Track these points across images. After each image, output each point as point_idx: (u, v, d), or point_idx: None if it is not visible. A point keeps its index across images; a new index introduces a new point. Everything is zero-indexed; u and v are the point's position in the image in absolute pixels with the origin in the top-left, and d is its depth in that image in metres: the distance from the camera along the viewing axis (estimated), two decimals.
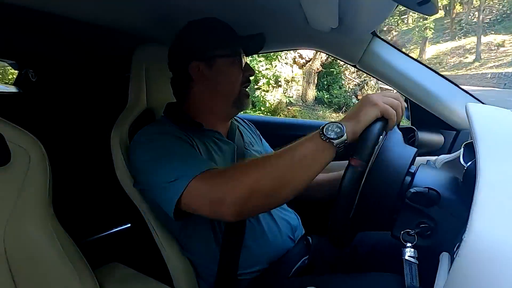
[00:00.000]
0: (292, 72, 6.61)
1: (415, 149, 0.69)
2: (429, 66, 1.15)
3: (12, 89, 1.72)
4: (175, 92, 0.93)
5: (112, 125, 0.93)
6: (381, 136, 0.66)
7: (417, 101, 1.13)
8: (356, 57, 1.13)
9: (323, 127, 0.62)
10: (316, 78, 7.03)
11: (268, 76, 6.35)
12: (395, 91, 1.15)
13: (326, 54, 1.20)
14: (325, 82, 7.33)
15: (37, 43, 1.31)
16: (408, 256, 0.57)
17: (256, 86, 6.46)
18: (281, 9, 1.02)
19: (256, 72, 6.31)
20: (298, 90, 7.04)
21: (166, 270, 0.89)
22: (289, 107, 6.73)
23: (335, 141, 0.60)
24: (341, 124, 0.61)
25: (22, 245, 0.67)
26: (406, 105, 0.79)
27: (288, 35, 1.18)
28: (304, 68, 6.82)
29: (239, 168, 0.65)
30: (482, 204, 0.43)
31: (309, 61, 6.70)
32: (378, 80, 1.17)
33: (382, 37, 1.14)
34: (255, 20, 1.10)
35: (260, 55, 6.11)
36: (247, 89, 0.91)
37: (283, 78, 6.47)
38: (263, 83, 6.42)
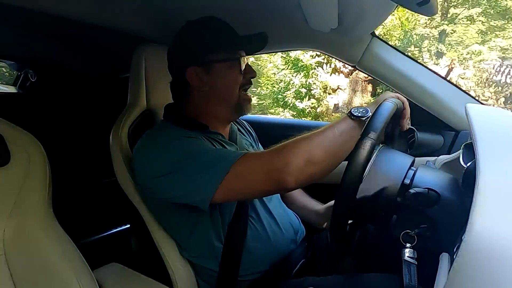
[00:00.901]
0: (336, 80, 6.72)
1: (413, 158, 0.70)
2: (428, 67, 1.15)
3: (12, 89, 1.72)
4: (175, 96, 0.91)
5: (111, 126, 0.93)
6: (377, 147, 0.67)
7: (417, 101, 1.13)
8: (356, 57, 1.13)
9: (350, 110, 0.73)
10: (371, 86, 7.07)
11: (297, 84, 6.52)
12: (394, 91, 1.15)
13: (326, 54, 1.20)
14: (380, 92, 7.27)
15: (37, 43, 1.31)
16: (407, 256, 0.57)
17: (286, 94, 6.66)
18: (280, 9, 1.02)
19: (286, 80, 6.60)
20: (344, 98, 7.15)
21: (165, 271, 0.88)
22: (333, 113, 6.89)
23: (363, 118, 0.71)
24: (364, 108, 0.73)
25: (22, 245, 0.67)
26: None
27: (287, 36, 1.18)
28: (350, 76, 6.91)
29: (291, 142, 0.70)
30: (482, 204, 0.43)
31: (355, 70, 6.79)
32: (378, 80, 1.17)
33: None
34: (255, 20, 1.10)
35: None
36: (247, 93, 0.89)
37: (329, 87, 6.70)
38: (293, 91, 6.62)
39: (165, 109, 0.90)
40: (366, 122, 0.65)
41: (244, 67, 0.86)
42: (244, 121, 1.10)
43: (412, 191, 0.60)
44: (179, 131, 0.81)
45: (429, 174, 0.66)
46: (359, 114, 0.71)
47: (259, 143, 1.11)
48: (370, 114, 0.69)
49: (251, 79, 0.89)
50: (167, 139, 0.77)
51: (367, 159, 0.59)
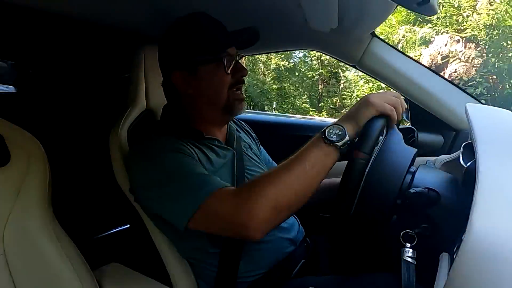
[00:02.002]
0: None
1: (415, 150, 0.69)
2: (428, 66, 1.15)
3: (12, 89, 1.72)
4: (167, 100, 0.90)
5: (111, 125, 0.93)
6: (381, 136, 0.66)
7: (417, 101, 1.13)
8: (356, 57, 1.13)
9: (324, 130, 0.63)
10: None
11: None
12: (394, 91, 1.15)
13: (326, 54, 1.20)
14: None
15: (36, 43, 1.31)
16: (407, 256, 0.57)
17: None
18: (280, 9, 1.02)
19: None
20: None
21: (165, 271, 0.88)
22: None
23: (339, 143, 0.62)
24: (342, 126, 0.62)
25: (22, 245, 0.67)
26: (406, 105, 0.80)
27: (287, 36, 1.18)
28: None
29: (257, 187, 0.63)
30: (482, 204, 0.43)
31: None
32: (378, 80, 1.18)
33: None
34: (255, 20, 1.09)
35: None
36: (239, 92, 0.85)
37: None
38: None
39: (163, 111, 0.89)
40: (355, 141, 0.63)
41: (233, 65, 0.82)
42: (243, 122, 1.09)
43: (412, 190, 0.60)
44: (170, 140, 0.77)
45: (429, 174, 0.66)
46: (336, 139, 0.62)
47: (260, 144, 1.10)
48: (348, 138, 0.62)
49: (242, 78, 0.84)
50: (155, 152, 0.75)
51: (359, 179, 0.60)
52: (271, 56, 9.30)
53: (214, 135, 0.87)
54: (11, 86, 1.75)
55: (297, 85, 9.12)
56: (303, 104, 8.68)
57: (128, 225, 1.59)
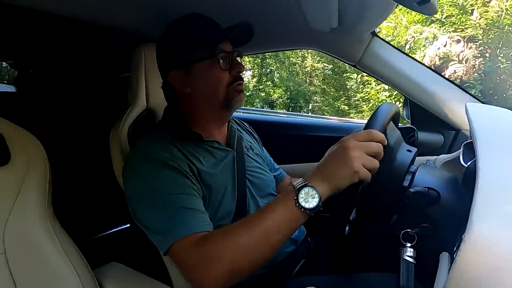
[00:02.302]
0: None
1: (415, 149, 0.69)
2: (428, 66, 1.15)
3: (12, 88, 1.72)
4: (167, 100, 0.90)
5: (111, 125, 0.93)
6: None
7: (417, 100, 1.13)
8: (356, 57, 1.13)
9: (297, 190, 0.58)
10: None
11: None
12: (394, 92, 1.15)
13: (326, 54, 1.20)
14: None
15: (36, 43, 1.31)
16: (406, 255, 0.57)
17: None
18: (280, 8, 1.02)
19: None
20: None
21: (165, 270, 0.88)
22: None
23: (309, 211, 0.58)
24: (316, 191, 0.57)
25: (22, 244, 0.67)
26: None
27: (287, 35, 1.18)
28: None
29: (215, 247, 0.61)
30: (482, 203, 0.43)
31: None
32: (378, 80, 1.18)
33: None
34: (255, 20, 1.09)
35: None
36: (238, 86, 0.82)
37: None
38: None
39: (163, 112, 0.89)
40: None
41: (228, 62, 0.81)
42: (245, 123, 1.09)
43: (412, 190, 0.60)
44: (166, 151, 0.75)
45: (429, 174, 0.66)
46: (308, 206, 0.57)
47: (262, 145, 1.10)
48: (320, 203, 0.57)
49: (239, 74, 0.83)
50: (145, 166, 0.74)
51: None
52: (307, 57, 9.25)
53: (214, 137, 0.86)
54: (12, 86, 1.75)
55: (337, 88, 9.11)
56: (342, 106, 8.70)
57: (128, 225, 1.60)
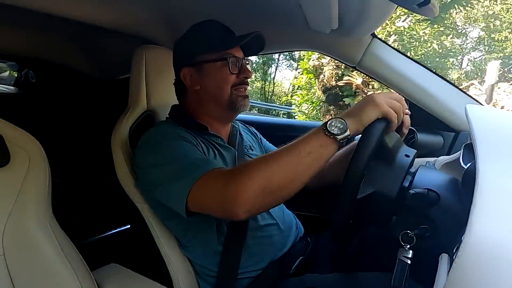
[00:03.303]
0: None
1: (414, 151, 0.69)
2: (428, 67, 1.15)
3: (12, 89, 1.72)
4: (177, 96, 0.95)
5: (112, 126, 0.93)
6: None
7: (417, 102, 1.13)
8: (356, 58, 1.13)
9: (326, 122, 0.63)
10: None
11: None
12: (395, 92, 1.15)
13: (326, 55, 1.20)
14: None
15: (37, 43, 1.31)
16: (403, 255, 0.57)
17: None
18: (281, 10, 1.02)
19: None
20: None
21: (165, 271, 0.88)
22: None
23: (339, 137, 0.62)
24: (344, 120, 0.62)
25: (21, 246, 0.67)
26: (408, 111, 0.81)
27: (287, 37, 1.18)
28: None
29: (249, 166, 0.65)
30: (481, 205, 0.43)
31: None
32: (378, 81, 1.18)
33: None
34: (255, 21, 1.10)
35: None
36: (242, 90, 0.89)
37: None
38: None
39: (171, 108, 0.94)
40: (347, 142, 0.64)
41: (237, 67, 0.87)
42: (247, 124, 1.11)
43: (412, 191, 0.60)
44: (177, 130, 0.83)
45: (429, 175, 0.66)
46: (336, 132, 0.62)
47: (266, 142, 1.12)
48: (349, 132, 0.62)
49: (246, 79, 0.89)
50: (161, 138, 0.80)
51: (368, 160, 0.59)
52: None
53: (219, 133, 0.91)
54: (12, 87, 1.75)
55: None
56: None
57: (128, 226, 1.59)
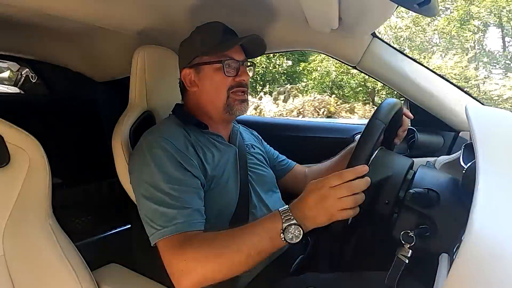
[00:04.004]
0: None
1: (411, 160, 0.70)
2: (428, 67, 1.15)
3: (12, 89, 1.72)
4: (181, 96, 0.96)
5: (112, 126, 0.93)
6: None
7: (417, 102, 1.13)
8: (356, 58, 1.13)
9: (284, 228, 0.62)
10: None
11: None
12: (395, 92, 1.15)
13: (326, 55, 1.20)
14: None
15: (37, 43, 1.31)
16: (401, 254, 0.58)
17: None
18: (281, 10, 1.02)
19: None
20: None
21: (164, 271, 0.88)
22: None
23: (293, 242, 0.62)
24: (301, 227, 0.62)
25: (21, 245, 0.67)
26: (411, 115, 0.83)
27: (288, 36, 1.18)
28: None
29: (199, 253, 0.66)
30: (481, 205, 0.43)
31: None
32: (378, 81, 1.18)
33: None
34: (256, 21, 1.10)
35: None
36: (239, 93, 0.88)
37: None
38: None
39: (175, 106, 0.95)
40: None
41: (234, 69, 0.87)
42: (246, 124, 1.12)
43: (412, 191, 0.60)
44: (177, 136, 0.80)
45: (429, 175, 0.66)
46: (294, 240, 0.62)
47: (266, 144, 1.13)
48: (302, 238, 0.62)
49: (243, 82, 0.89)
50: (155, 153, 0.77)
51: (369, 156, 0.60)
52: None
53: (219, 132, 0.91)
54: (13, 87, 1.76)
55: None
56: None
57: (128, 226, 1.59)
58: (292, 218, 0.63)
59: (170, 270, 0.68)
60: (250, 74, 0.93)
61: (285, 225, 0.62)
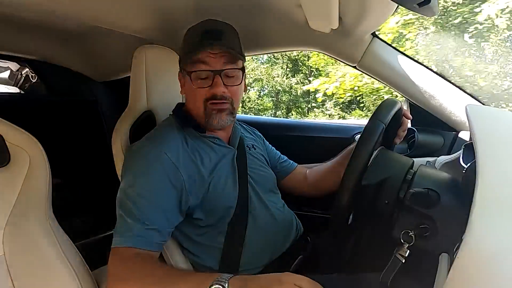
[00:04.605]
0: None
1: (412, 160, 0.70)
2: (428, 67, 1.15)
3: (12, 89, 1.72)
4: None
5: (112, 126, 0.93)
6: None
7: (417, 102, 1.13)
8: (356, 58, 1.13)
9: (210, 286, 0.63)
10: None
11: None
12: (395, 93, 1.15)
13: (326, 55, 1.20)
14: None
15: (37, 43, 1.31)
16: (398, 253, 0.58)
17: None
18: (281, 10, 1.02)
19: None
20: None
21: None
22: None
23: None
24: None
25: (21, 246, 0.67)
26: (410, 116, 0.83)
27: (288, 36, 1.18)
28: None
29: (137, 278, 0.68)
30: (481, 205, 0.43)
31: None
32: (379, 81, 1.17)
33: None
34: (255, 21, 1.10)
35: None
36: (215, 103, 0.82)
37: None
38: None
39: (176, 106, 0.94)
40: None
41: (211, 79, 0.80)
42: (248, 124, 1.12)
43: (412, 191, 0.60)
44: (168, 151, 0.78)
45: (429, 175, 0.66)
46: None
47: (268, 143, 1.13)
48: None
49: (216, 96, 0.81)
50: (142, 164, 0.77)
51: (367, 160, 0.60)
52: None
53: (216, 134, 0.90)
54: (13, 87, 1.76)
55: None
56: None
57: None
58: (225, 281, 0.63)
59: (108, 274, 0.70)
60: (237, 82, 0.83)
61: (214, 285, 0.62)
